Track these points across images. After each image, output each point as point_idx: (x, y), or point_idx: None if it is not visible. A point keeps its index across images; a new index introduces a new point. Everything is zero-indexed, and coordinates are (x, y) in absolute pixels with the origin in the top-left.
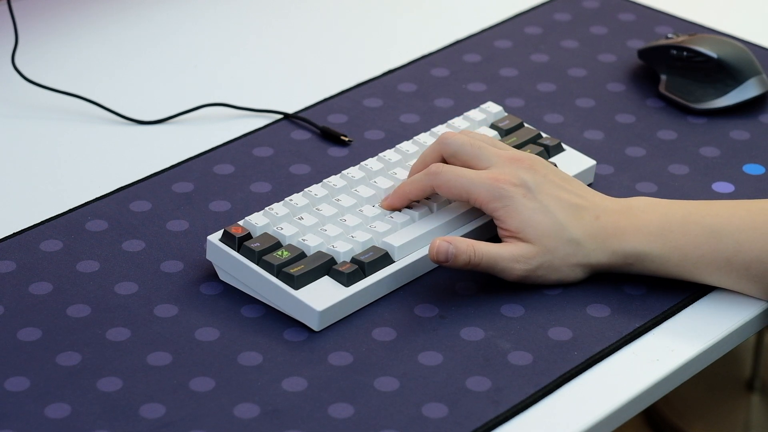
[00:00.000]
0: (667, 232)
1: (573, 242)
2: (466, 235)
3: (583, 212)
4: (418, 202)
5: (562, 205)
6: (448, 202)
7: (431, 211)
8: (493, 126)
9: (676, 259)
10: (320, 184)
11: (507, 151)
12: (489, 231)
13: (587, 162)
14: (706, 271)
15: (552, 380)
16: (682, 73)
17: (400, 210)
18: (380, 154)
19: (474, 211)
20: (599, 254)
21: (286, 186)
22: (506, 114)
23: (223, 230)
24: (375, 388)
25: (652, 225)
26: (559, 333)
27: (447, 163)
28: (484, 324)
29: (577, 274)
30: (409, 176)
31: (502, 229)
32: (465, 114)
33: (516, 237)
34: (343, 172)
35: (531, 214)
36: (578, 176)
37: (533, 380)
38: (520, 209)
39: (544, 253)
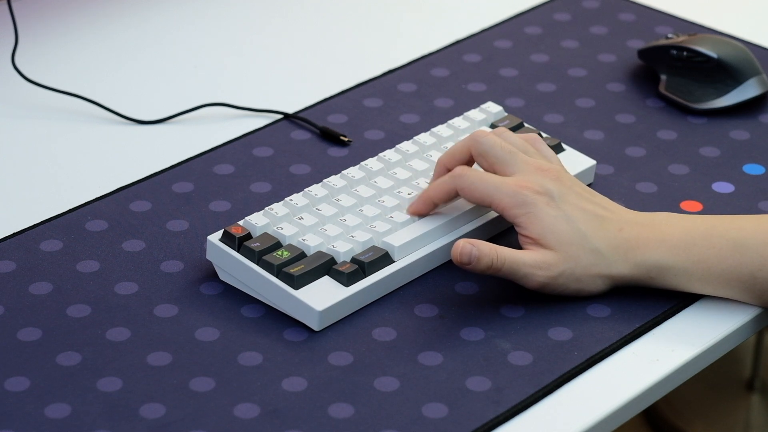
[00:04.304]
0: (691, 246)
1: (595, 252)
2: (465, 235)
3: (607, 223)
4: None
5: (585, 215)
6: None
7: None
8: (493, 126)
9: (699, 272)
10: (320, 184)
11: (536, 160)
12: (488, 231)
13: (587, 162)
14: (729, 286)
15: (552, 380)
16: (682, 73)
17: (425, 215)
18: (380, 154)
19: (473, 212)
20: (621, 266)
21: (286, 186)
22: (506, 114)
23: (223, 230)
24: (375, 388)
25: (675, 238)
26: (559, 333)
27: (473, 160)
28: (484, 324)
29: (598, 285)
30: (436, 170)
31: (523, 236)
32: (465, 114)
33: (537, 244)
34: (343, 172)
35: (553, 221)
36: (578, 176)
37: (533, 380)
38: (542, 216)
39: (567, 261)
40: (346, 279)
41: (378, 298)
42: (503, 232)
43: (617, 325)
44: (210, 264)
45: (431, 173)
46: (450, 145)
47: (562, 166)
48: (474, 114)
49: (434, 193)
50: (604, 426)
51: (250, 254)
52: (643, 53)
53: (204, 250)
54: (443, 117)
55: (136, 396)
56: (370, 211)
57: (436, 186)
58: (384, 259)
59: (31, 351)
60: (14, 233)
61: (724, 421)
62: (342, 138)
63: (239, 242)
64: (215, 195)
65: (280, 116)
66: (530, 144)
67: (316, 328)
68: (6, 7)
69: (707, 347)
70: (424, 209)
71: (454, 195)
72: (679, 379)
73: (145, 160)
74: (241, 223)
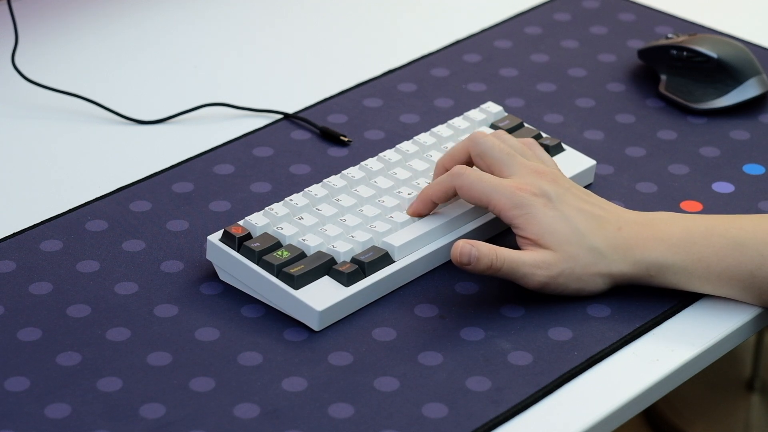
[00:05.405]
0: (691, 244)
1: (594, 251)
2: (465, 236)
3: (605, 223)
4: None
5: (583, 215)
6: (448, 202)
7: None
8: (493, 126)
9: (699, 271)
10: (320, 184)
11: (533, 163)
12: (488, 232)
13: (587, 162)
14: (729, 285)
15: (552, 380)
16: (682, 73)
17: (425, 215)
18: (380, 154)
19: (473, 212)
20: (621, 264)
21: (286, 186)
22: (506, 114)
23: (223, 230)
24: (375, 388)
25: (674, 236)
26: (559, 333)
27: (472, 161)
28: (484, 324)
29: (598, 284)
30: (435, 172)
31: (521, 237)
32: (465, 114)
33: (536, 244)
34: (343, 172)
35: (550, 221)
36: (578, 176)
37: (533, 380)
38: (539, 216)
39: (566, 260)
40: (346, 279)
41: (378, 298)
42: (502, 232)
43: (617, 325)
44: (210, 264)
45: (431, 173)
46: (450, 145)
47: (559, 169)
48: (474, 114)
49: (433, 192)
50: (604, 426)
51: (250, 254)
52: (643, 53)
53: (204, 250)
54: (443, 117)
55: (136, 396)
56: (370, 211)
57: (435, 185)
58: (384, 259)
59: (31, 351)
60: (14, 233)
61: (724, 421)
62: (342, 138)
63: (239, 242)
64: (215, 195)
65: (280, 116)
66: (527, 147)
67: (316, 328)
68: (6, 7)
69: (707, 347)
70: (423, 209)
71: (453, 194)
72: (679, 379)
73: (145, 160)
74: (241, 223)
